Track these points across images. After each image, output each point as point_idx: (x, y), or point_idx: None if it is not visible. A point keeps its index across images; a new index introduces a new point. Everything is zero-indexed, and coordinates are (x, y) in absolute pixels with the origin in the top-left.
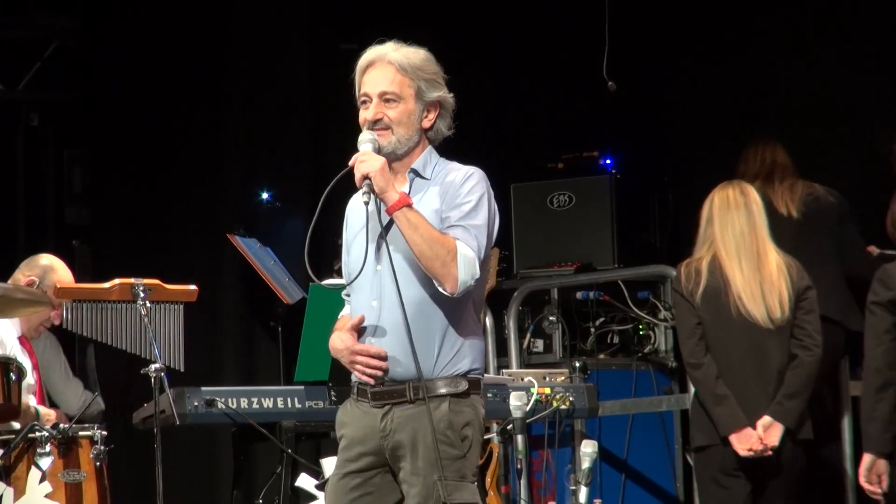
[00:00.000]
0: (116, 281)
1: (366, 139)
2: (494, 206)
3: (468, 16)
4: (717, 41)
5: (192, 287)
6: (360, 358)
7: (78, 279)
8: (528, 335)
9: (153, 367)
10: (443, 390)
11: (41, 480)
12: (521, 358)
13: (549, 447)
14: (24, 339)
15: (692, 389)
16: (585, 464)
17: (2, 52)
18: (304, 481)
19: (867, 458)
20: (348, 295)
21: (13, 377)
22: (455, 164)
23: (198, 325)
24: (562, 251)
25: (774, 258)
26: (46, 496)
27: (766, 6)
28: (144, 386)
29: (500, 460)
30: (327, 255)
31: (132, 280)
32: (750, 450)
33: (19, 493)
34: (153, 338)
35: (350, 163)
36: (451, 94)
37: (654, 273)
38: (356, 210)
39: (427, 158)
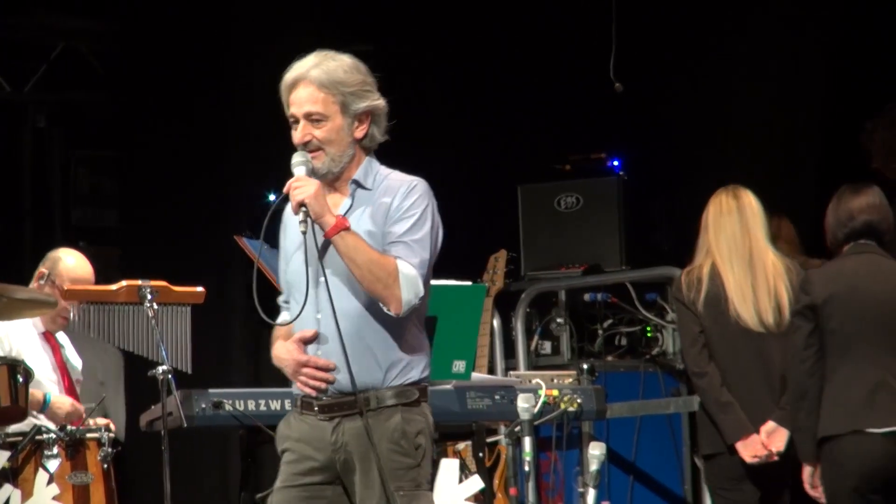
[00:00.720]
0: (123, 283)
1: (299, 162)
2: (438, 219)
3: (475, 16)
4: (725, 42)
5: (200, 289)
6: (306, 370)
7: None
8: (536, 337)
9: (160, 369)
10: (394, 400)
11: (49, 482)
12: (528, 360)
13: (557, 449)
14: (48, 335)
15: None
16: (593, 466)
17: (8, 54)
18: None
19: (807, 469)
20: (286, 302)
21: (20, 379)
22: (398, 174)
23: (205, 327)
24: (569, 253)
25: (771, 261)
26: (54, 498)
27: (773, 7)
28: (151, 388)
29: (508, 462)
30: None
31: (139, 282)
32: (755, 456)
33: (27, 495)
34: (160, 340)
35: (285, 189)
36: (382, 99)
37: (661, 275)
38: (294, 217)
39: (367, 168)
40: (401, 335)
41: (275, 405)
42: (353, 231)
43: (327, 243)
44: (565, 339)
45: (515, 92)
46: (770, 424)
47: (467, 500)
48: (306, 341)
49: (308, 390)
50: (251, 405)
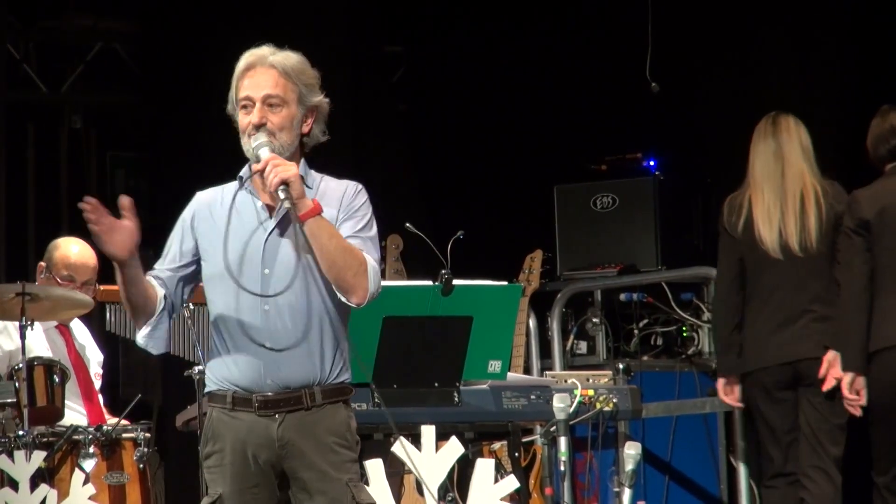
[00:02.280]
0: None
1: (263, 143)
2: None
3: (511, 18)
4: (761, 41)
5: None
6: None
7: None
8: (572, 337)
9: (196, 369)
10: (337, 396)
11: (85, 482)
12: (564, 360)
13: (593, 449)
14: (61, 328)
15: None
16: (629, 466)
17: (46, 56)
18: None
19: (850, 376)
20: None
21: (56, 379)
22: (330, 176)
23: None
24: (605, 253)
25: (808, 182)
26: (90, 498)
27: (810, 6)
28: (188, 388)
29: (544, 462)
30: None
31: None
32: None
33: (63, 495)
34: (196, 339)
35: (259, 167)
36: (328, 100)
37: (697, 275)
38: (225, 206)
39: (305, 167)
40: (342, 334)
41: None
42: (324, 217)
43: (281, 227)
44: (601, 339)
45: (551, 92)
46: (831, 353)
47: (503, 500)
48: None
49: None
50: None
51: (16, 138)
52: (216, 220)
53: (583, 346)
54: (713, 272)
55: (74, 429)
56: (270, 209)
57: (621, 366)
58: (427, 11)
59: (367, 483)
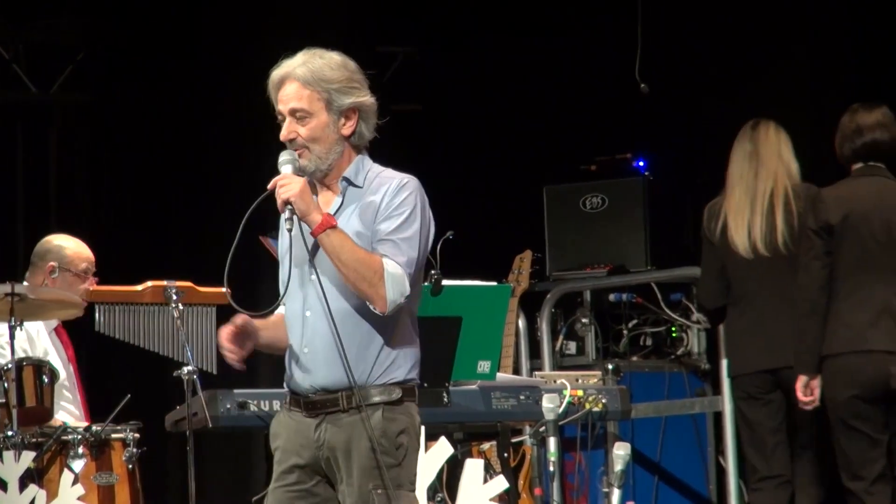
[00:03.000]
0: (149, 283)
1: (285, 160)
2: (429, 216)
3: (502, 19)
4: (751, 42)
5: (225, 289)
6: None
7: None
8: (561, 337)
9: (186, 369)
10: (376, 399)
11: (74, 483)
12: (553, 360)
13: (582, 449)
14: (60, 329)
15: (725, 391)
16: (618, 466)
17: (34, 56)
18: None
19: (804, 379)
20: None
21: (45, 379)
22: (389, 172)
23: None
24: (594, 253)
25: (780, 184)
26: (79, 499)
27: (801, 7)
28: (177, 389)
29: (533, 462)
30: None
31: (164, 282)
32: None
33: (52, 495)
34: (185, 340)
35: (269, 186)
36: (371, 97)
37: (686, 275)
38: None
39: (359, 165)
40: (388, 334)
41: None
42: (339, 229)
43: (316, 242)
44: (590, 340)
45: (541, 93)
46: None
47: (492, 500)
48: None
49: (229, 361)
50: (276, 405)
51: (4, 139)
52: (284, 231)
53: (572, 347)
54: None
55: (64, 429)
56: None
57: (611, 366)
58: (420, 12)
59: None
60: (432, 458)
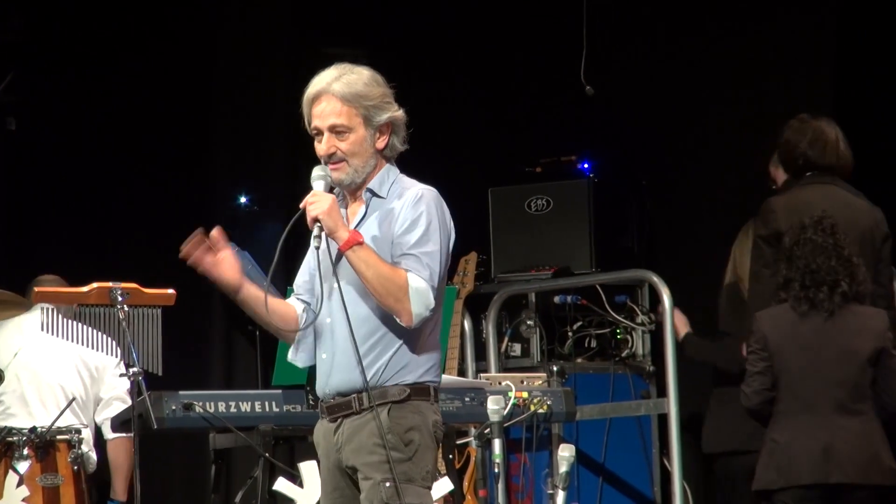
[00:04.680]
0: (94, 284)
1: (318, 176)
2: (449, 226)
3: (446, 20)
4: (696, 45)
5: (171, 291)
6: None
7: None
8: (506, 339)
9: (131, 370)
10: (383, 399)
11: (18, 484)
12: (498, 362)
13: (527, 451)
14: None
15: (671, 394)
16: (563, 468)
17: None
18: (282, 485)
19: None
20: (300, 296)
21: None
22: (409, 182)
23: (176, 329)
24: (540, 255)
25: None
26: (24, 500)
27: (747, 11)
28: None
29: (478, 464)
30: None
31: (110, 284)
32: None
33: None
34: (131, 342)
35: (301, 205)
36: (401, 110)
37: (632, 277)
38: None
39: (384, 177)
40: (404, 339)
41: (245, 407)
42: (365, 245)
43: (341, 255)
44: (535, 342)
45: (486, 94)
46: None
47: (437, 501)
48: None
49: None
50: (221, 407)
51: None
52: (312, 246)
53: (517, 349)
54: (648, 275)
55: (8, 430)
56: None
57: (555, 368)
58: (365, 14)
59: (301, 485)
60: None
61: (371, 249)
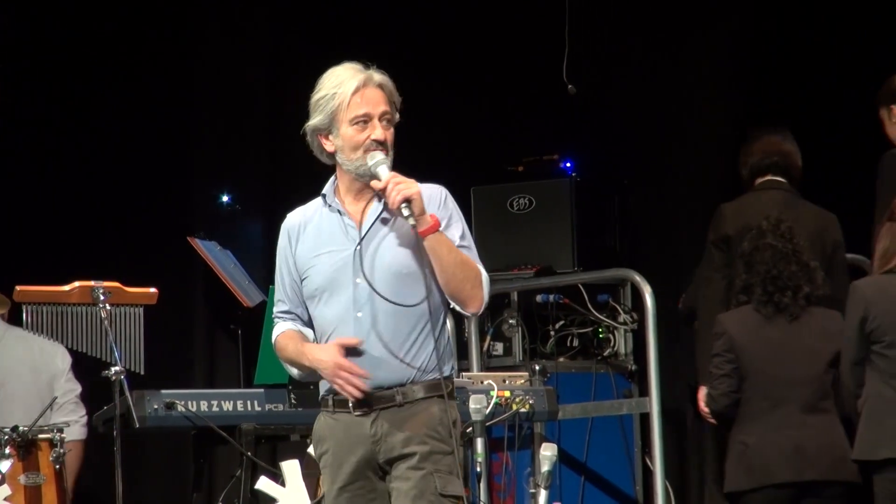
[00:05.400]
0: (76, 283)
1: (382, 160)
2: None
3: (427, 19)
4: (678, 43)
5: (152, 290)
6: (343, 374)
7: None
8: (488, 338)
9: (113, 369)
10: (430, 392)
11: (0, 483)
12: (480, 361)
13: (509, 450)
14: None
15: (653, 393)
16: (545, 467)
17: None
18: (264, 484)
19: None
20: (286, 312)
21: None
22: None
23: (158, 328)
24: (522, 254)
25: None
26: (6, 499)
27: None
28: (105, 389)
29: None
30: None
31: (92, 283)
32: None
33: None
34: (113, 341)
35: (381, 185)
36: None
37: (614, 276)
38: (313, 223)
39: None
40: (436, 333)
41: (227, 406)
42: (443, 231)
43: (366, 237)
44: (517, 341)
45: (468, 93)
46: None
47: None
48: (347, 347)
49: (346, 393)
50: (203, 406)
51: None
52: (307, 238)
53: (499, 348)
54: (631, 274)
55: None
56: (357, 220)
57: (537, 367)
58: (343, 15)
59: (283, 484)
60: None
61: (446, 236)
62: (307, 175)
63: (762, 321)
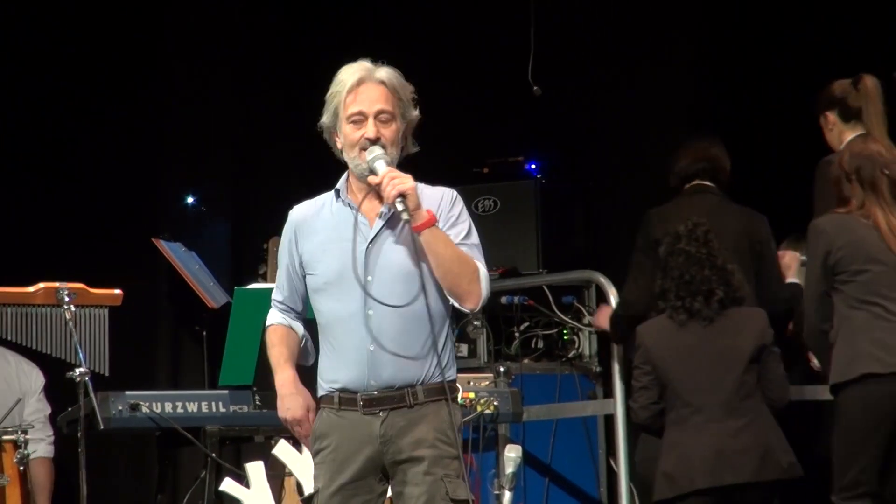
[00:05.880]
0: (41, 285)
1: (379, 155)
2: None
3: (392, 19)
4: (643, 47)
5: (117, 291)
6: (299, 431)
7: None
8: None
9: (78, 371)
10: (440, 395)
11: None
12: None
13: (474, 452)
14: None
15: (618, 394)
16: (509, 468)
17: None
18: (229, 486)
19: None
20: (281, 303)
21: None
22: (424, 185)
23: (123, 330)
24: (487, 256)
25: None
26: None
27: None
28: (69, 390)
29: None
30: (250, 259)
31: (57, 284)
32: None
33: None
34: (78, 342)
35: (377, 180)
36: (418, 113)
37: (579, 278)
38: (323, 218)
39: None
40: (444, 334)
41: (192, 407)
42: (438, 226)
43: (377, 235)
44: (482, 342)
45: (433, 95)
46: None
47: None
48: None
49: (299, 438)
50: (168, 407)
51: None
52: (316, 233)
53: (464, 349)
54: (596, 276)
55: None
56: (369, 218)
57: (502, 369)
58: (310, 14)
59: (247, 485)
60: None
61: (443, 231)
62: (272, 177)
63: (676, 328)
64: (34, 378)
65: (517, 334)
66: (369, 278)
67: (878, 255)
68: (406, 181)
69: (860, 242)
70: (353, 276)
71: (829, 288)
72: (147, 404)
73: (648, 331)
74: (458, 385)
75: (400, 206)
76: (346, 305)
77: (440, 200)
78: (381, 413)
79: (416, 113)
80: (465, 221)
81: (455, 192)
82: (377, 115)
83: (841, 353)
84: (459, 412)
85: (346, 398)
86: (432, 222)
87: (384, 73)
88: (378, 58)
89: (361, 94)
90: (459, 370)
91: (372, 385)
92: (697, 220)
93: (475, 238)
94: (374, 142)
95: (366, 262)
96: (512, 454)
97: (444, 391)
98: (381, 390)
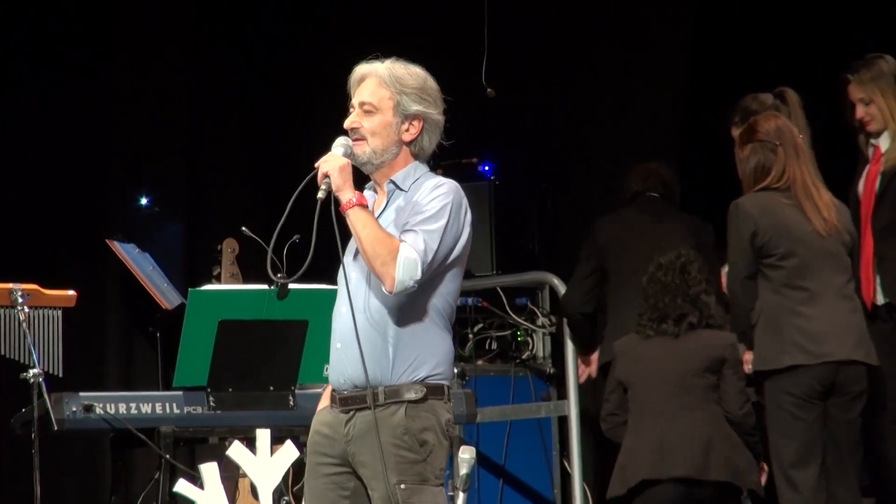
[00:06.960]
0: None
1: (339, 143)
2: (464, 218)
3: (344, 19)
4: (597, 48)
5: (71, 292)
6: None
7: None
8: None
9: (31, 372)
10: (398, 397)
11: None
12: None
13: None
14: None
15: (571, 396)
16: (463, 470)
17: None
18: (183, 487)
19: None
20: None
21: None
22: (434, 177)
23: (77, 331)
24: None
25: None
26: None
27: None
28: (22, 391)
29: None
30: (204, 260)
31: (10, 285)
32: None
33: None
34: (32, 343)
35: (316, 164)
36: (440, 115)
37: (533, 280)
38: None
39: (410, 171)
40: (414, 332)
41: (146, 409)
42: (367, 210)
43: (351, 242)
44: None
45: None
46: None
47: None
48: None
49: None
50: (122, 408)
51: None
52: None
53: None
54: (549, 277)
55: None
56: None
57: (456, 370)
58: (266, 11)
59: (201, 486)
60: (278, 461)
61: (371, 215)
62: (226, 178)
63: (642, 340)
64: None
65: (471, 336)
66: (353, 275)
67: (803, 237)
68: (334, 163)
69: (784, 225)
70: (344, 273)
71: (754, 271)
72: (101, 405)
73: (620, 345)
74: (424, 385)
75: (324, 187)
76: (339, 302)
77: (425, 189)
78: (350, 412)
79: (422, 109)
80: (431, 210)
81: (444, 182)
82: (360, 106)
83: (766, 339)
84: (429, 414)
85: (331, 395)
86: (353, 204)
87: (385, 68)
88: (328, 58)
89: (359, 88)
90: None
91: (342, 384)
92: (682, 250)
93: (434, 225)
94: (353, 132)
95: (355, 258)
96: (466, 455)
97: (406, 392)
98: (351, 389)
